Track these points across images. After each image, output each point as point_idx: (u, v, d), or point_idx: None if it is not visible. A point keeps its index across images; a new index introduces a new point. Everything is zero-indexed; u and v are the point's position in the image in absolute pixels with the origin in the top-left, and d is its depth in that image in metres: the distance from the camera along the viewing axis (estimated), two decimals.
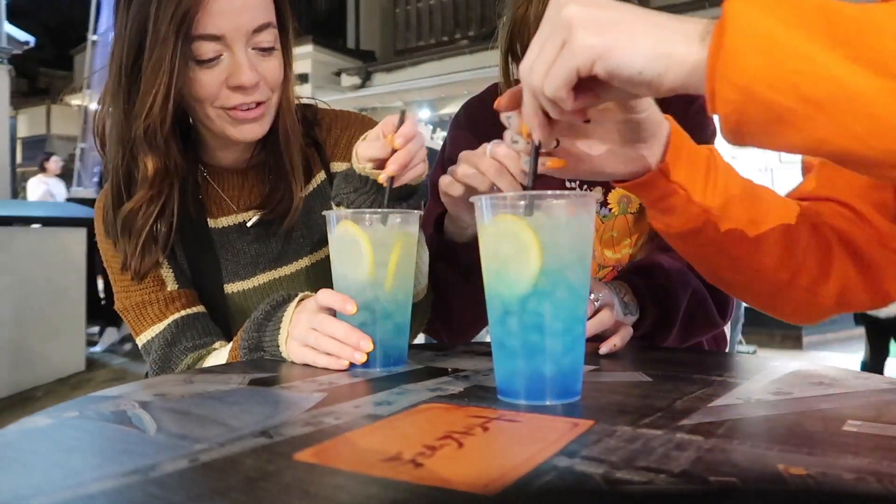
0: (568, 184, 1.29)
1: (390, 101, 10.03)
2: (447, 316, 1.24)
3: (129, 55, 1.01)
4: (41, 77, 18.85)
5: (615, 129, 0.80)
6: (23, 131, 15.40)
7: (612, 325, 0.99)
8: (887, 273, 0.91)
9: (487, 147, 0.92)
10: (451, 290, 1.20)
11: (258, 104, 1.05)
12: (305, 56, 9.96)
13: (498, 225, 0.72)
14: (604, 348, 0.97)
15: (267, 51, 1.04)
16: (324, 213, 0.93)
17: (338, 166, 1.23)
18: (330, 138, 1.24)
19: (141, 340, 1.14)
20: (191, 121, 1.15)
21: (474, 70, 8.59)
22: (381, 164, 0.96)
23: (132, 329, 1.15)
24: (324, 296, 0.92)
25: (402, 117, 0.94)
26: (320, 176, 1.24)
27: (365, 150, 0.98)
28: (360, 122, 1.26)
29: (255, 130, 1.08)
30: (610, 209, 1.27)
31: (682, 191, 0.83)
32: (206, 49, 0.99)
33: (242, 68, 1.00)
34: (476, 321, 1.24)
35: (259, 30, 1.02)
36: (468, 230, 1.11)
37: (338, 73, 10.60)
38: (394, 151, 0.93)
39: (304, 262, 1.21)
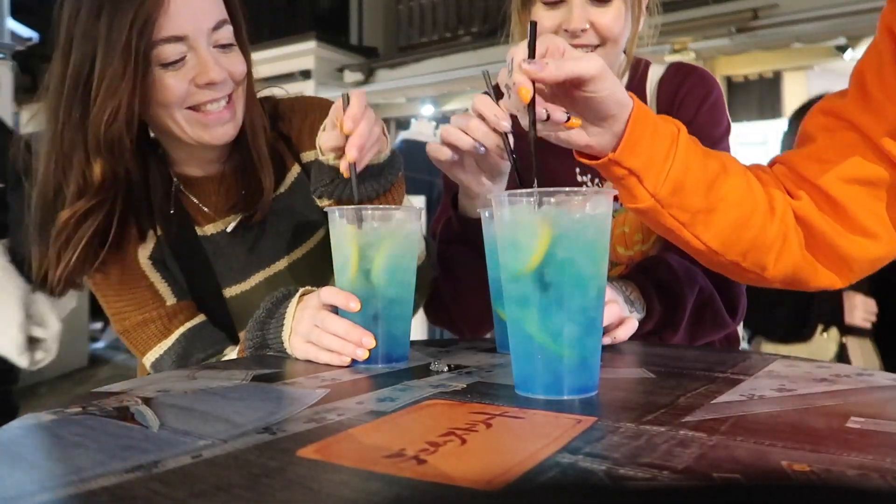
0: (579, 178, 1.28)
1: (393, 98, 10.02)
2: (463, 301, 1.23)
3: (79, 68, 0.99)
4: (45, 73, 18.83)
5: (578, 105, 0.84)
6: (26, 128, 15.39)
7: (617, 320, 1.00)
8: (846, 265, 0.97)
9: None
10: (468, 273, 1.19)
11: (228, 103, 1.06)
12: (308, 52, 9.94)
13: (515, 219, 0.72)
14: (605, 339, 0.98)
15: (227, 47, 1.06)
16: (325, 209, 0.93)
17: (308, 156, 1.23)
18: (293, 130, 1.25)
19: (149, 359, 1.12)
20: (151, 135, 1.15)
21: (478, 66, 8.54)
22: (342, 152, 0.97)
23: (136, 349, 1.14)
24: (327, 293, 0.92)
25: (346, 99, 0.94)
26: (295, 169, 1.24)
27: (324, 142, 0.99)
28: (319, 107, 1.25)
29: (227, 131, 1.08)
30: (620, 203, 1.27)
31: (634, 176, 0.88)
32: (171, 52, 1.00)
33: (209, 65, 1.01)
34: (486, 306, 1.22)
35: (217, 27, 1.03)
36: (478, 199, 1.11)
37: (341, 70, 10.58)
38: (347, 138, 0.93)
39: (295, 255, 1.22)
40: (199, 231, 1.18)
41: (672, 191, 0.88)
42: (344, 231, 0.91)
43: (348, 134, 0.92)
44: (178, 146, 1.14)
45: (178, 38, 1.00)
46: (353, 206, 0.94)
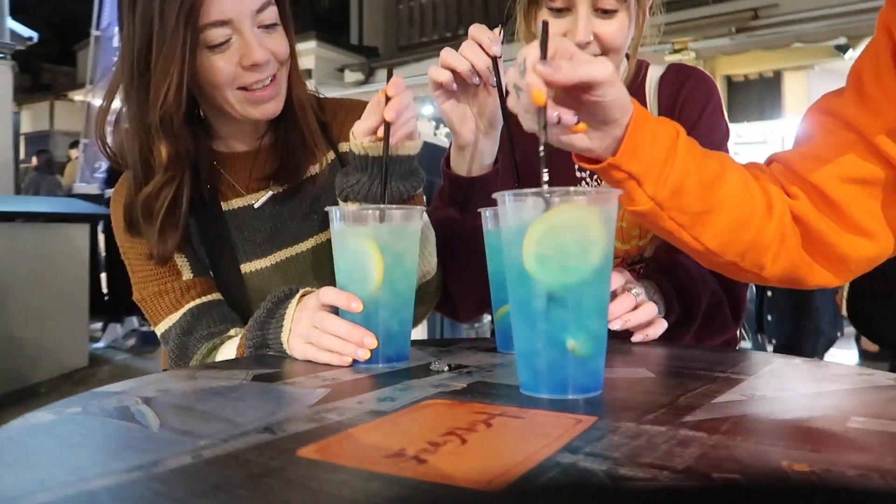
0: (578, 174, 1.28)
1: None
2: (457, 275, 1.23)
3: (140, 52, 1.04)
4: (45, 73, 18.85)
5: (582, 108, 0.84)
6: (26, 127, 15.42)
7: (650, 318, 1.03)
8: (843, 264, 0.97)
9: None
10: (461, 243, 1.18)
11: (272, 81, 1.10)
12: (309, 52, 9.94)
13: (519, 218, 0.72)
14: (637, 336, 1.02)
15: (271, 27, 1.09)
16: (326, 208, 0.93)
17: (345, 146, 1.25)
18: (336, 121, 1.29)
19: (159, 330, 1.16)
20: (201, 113, 1.19)
21: None
22: (376, 137, 1.00)
23: (150, 319, 1.18)
24: (327, 294, 0.92)
25: (390, 72, 0.99)
26: (329, 155, 1.27)
27: (360, 125, 1.02)
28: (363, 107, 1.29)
29: (272, 108, 1.12)
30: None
31: (633, 180, 0.88)
32: (217, 35, 1.04)
33: (253, 47, 1.05)
34: (480, 278, 1.15)
35: (261, 9, 1.06)
36: (467, 151, 1.12)
37: (341, 69, 10.59)
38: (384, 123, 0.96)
39: (320, 238, 1.23)
40: (224, 205, 1.22)
41: (671, 194, 0.88)
42: (344, 230, 0.91)
43: (391, 97, 0.96)
44: (225, 122, 1.19)
45: (223, 23, 1.04)
46: (353, 207, 0.95)
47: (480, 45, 1.02)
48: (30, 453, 0.53)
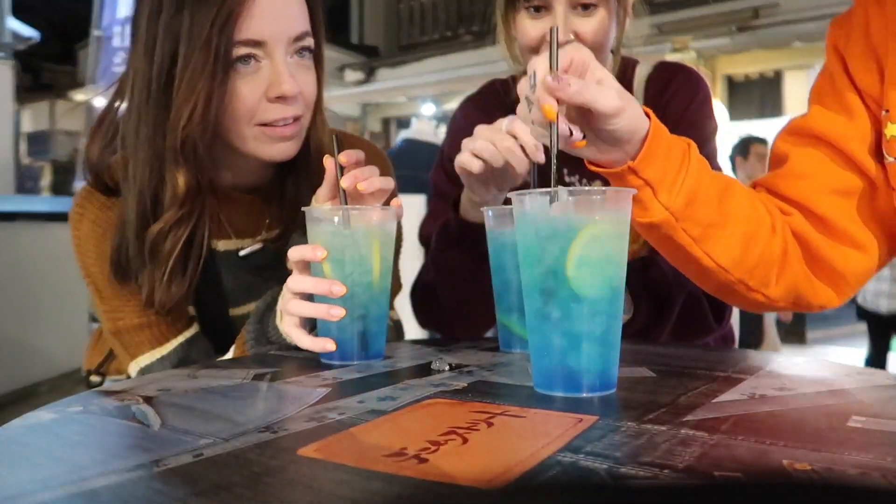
0: (567, 178, 1.27)
1: (394, 97, 10.04)
2: (460, 308, 1.21)
3: (162, 67, 0.95)
4: (45, 72, 18.84)
5: (592, 124, 0.83)
6: (27, 126, 15.44)
7: None
8: (842, 278, 0.97)
9: (504, 122, 0.94)
10: (468, 282, 1.16)
11: (295, 120, 1.01)
12: None
13: (538, 219, 0.72)
14: None
15: (305, 61, 1.01)
16: (304, 208, 0.92)
17: None
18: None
19: (138, 364, 1.07)
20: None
21: (478, 65, 8.57)
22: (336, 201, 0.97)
23: (124, 352, 1.08)
24: (294, 282, 0.91)
25: (336, 139, 0.93)
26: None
27: (322, 189, 0.98)
28: (374, 155, 1.16)
29: (288, 149, 1.03)
30: None
31: (649, 188, 0.87)
32: (246, 55, 0.96)
33: (283, 76, 0.96)
34: (490, 313, 1.16)
35: (299, 38, 0.99)
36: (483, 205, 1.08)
37: (341, 69, 10.59)
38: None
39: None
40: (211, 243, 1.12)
41: (686, 203, 0.88)
42: (320, 231, 0.91)
43: (344, 165, 0.91)
44: (232, 157, 1.06)
45: (257, 43, 0.95)
46: (330, 207, 0.94)
47: (523, 148, 0.93)
48: (30, 452, 0.53)
